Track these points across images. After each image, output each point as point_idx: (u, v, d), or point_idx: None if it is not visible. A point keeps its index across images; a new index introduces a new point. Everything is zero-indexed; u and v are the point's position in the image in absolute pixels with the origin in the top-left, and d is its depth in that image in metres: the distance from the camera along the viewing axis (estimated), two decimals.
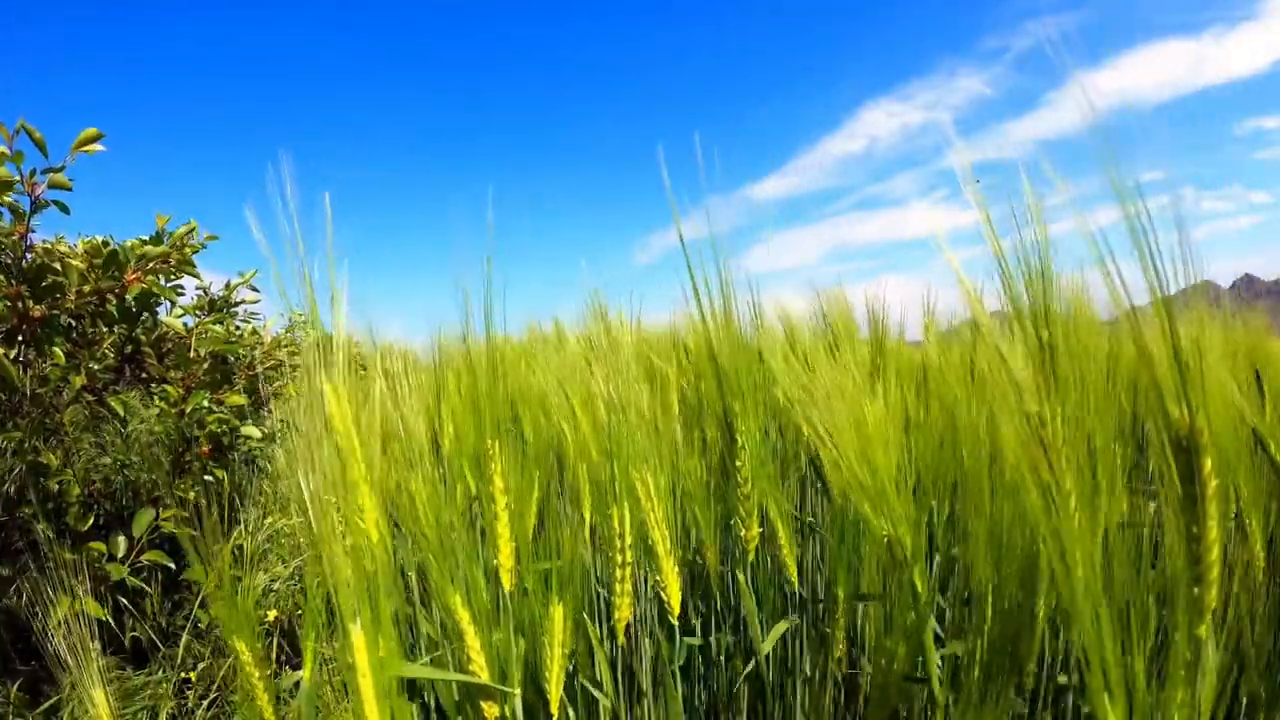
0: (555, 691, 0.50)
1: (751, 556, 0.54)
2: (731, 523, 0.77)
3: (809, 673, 0.69)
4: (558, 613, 0.50)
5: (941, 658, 0.48)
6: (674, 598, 0.51)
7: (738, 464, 0.52)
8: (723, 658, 0.71)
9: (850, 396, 0.44)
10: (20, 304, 0.86)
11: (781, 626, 0.60)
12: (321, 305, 0.37)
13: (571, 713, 0.64)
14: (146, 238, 1.05)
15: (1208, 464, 0.30)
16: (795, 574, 0.60)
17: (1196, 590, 0.29)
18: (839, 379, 0.45)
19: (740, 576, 0.57)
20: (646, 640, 0.67)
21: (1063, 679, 0.56)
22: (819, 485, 0.88)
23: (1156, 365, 0.29)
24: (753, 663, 0.59)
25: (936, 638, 0.56)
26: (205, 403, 1.06)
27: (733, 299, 0.56)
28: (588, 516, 0.72)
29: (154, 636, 1.02)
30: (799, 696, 0.68)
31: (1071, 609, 0.29)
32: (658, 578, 0.51)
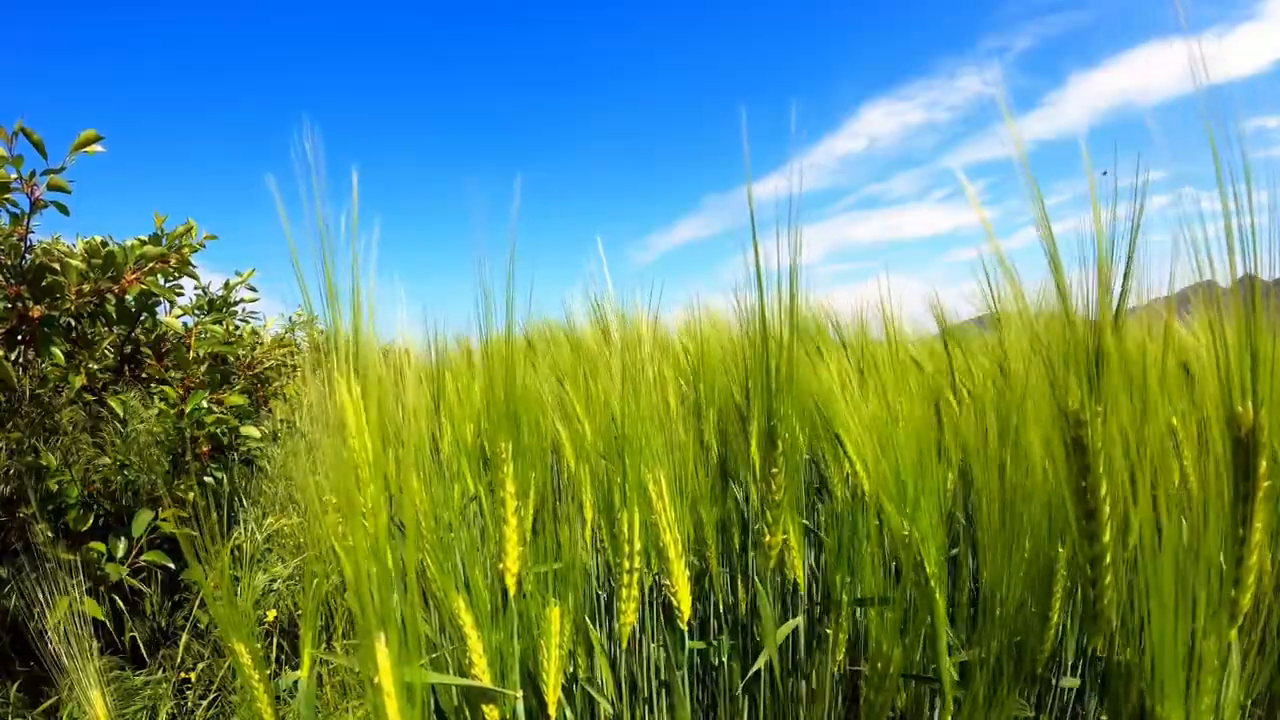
0: (553, 694, 0.50)
1: (773, 563, 0.53)
2: (729, 524, 0.77)
3: (810, 673, 0.69)
4: (554, 613, 0.50)
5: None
6: (684, 602, 0.50)
7: (774, 470, 0.50)
8: (725, 659, 0.71)
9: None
10: (20, 304, 0.86)
11: (790, 625, 0.59)
12: (342, 299, 0.36)
13: (569, 713, 0.64)
14: (145, 238, 1.05)
15: (1263, 463, 0.29)
16: (804, 577, 0.60)
17: (1234, 592, 0.29)
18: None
19: (758, 583, 0.56)
20: (653, 645, 0.67)
21: (1069, 682, 0.56)
22: (817, 486, 0.88)
23: (1230, 361, 0.29)
24: (762, 660, 0.59)
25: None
26: (204, 403, 1.06)
27: (797, 292, 0.49)
28: (589, 517, 0.72)
29: (154, 636, 1.01)
30: (803, 699, 0.68)
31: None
32: (667, 581, 0.51)
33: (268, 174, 0.34)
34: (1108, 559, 0.29)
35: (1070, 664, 0.62)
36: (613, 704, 0.64)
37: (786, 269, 0.49)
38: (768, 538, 0.51)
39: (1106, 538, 0.30)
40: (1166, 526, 0.28)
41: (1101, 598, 0.31)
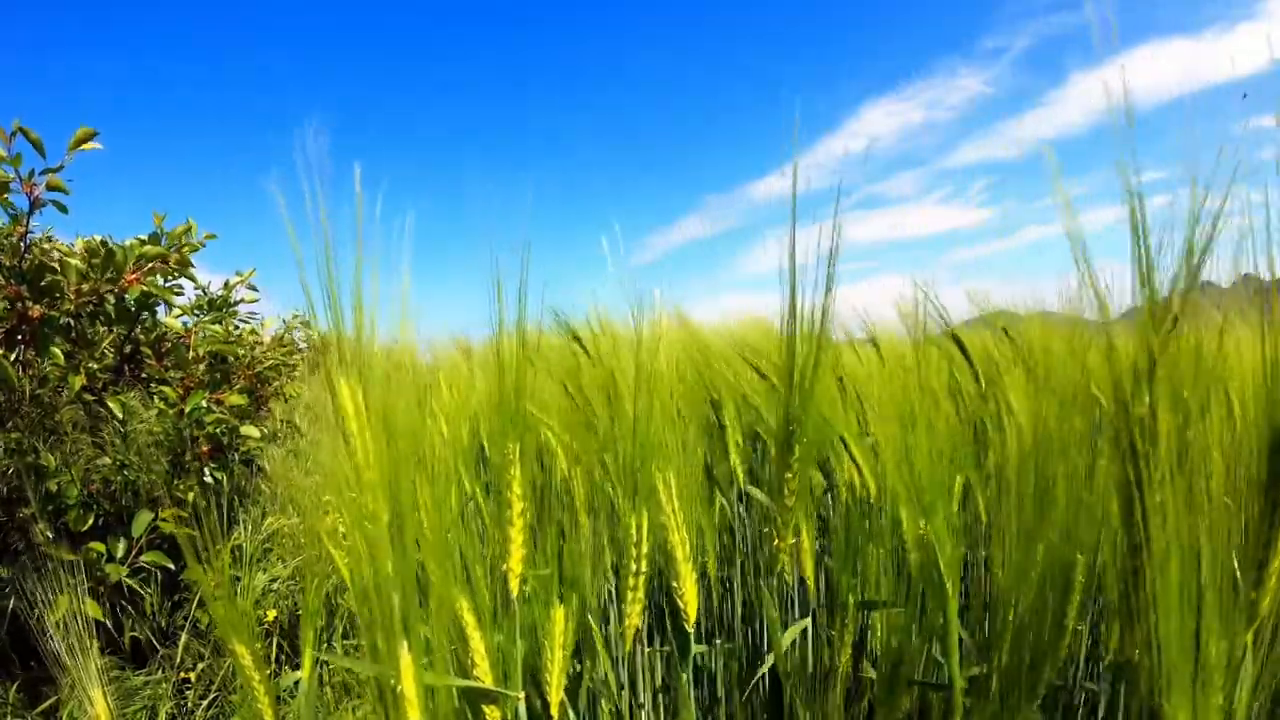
0: (555, 695, 0.50)
1: (780, 566, 0.52)
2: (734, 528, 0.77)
3: (814, 672, 0.69)
4: (558, 615, 0.50)
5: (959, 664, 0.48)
6: (691, 606, 0.50)
7: (788, 475, 0.50)
8: (723, 662, 0.71)
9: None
10: (20, 304, 0.86)
11: (797, 628, 0.59)
12: (343, 299, 0.35)
13: (572, 714, 0.63)
14: (145, 237, 1.04)
15: None
16: (813, 580, 0.59)
17: (1254, 594, 0.29)
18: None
19: (764, 588, 0.56)
20: (653, 650, 0.67)
21: (1092, 685, 0.56)
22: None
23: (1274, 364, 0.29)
24: (765, 665, 0.59)
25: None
26: (204, 403, 1.05)
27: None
28: (583, 521, 0.71)
29: (153, 637, 1.01)
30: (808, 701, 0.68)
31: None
32: (675, 584, 0.50)
33: (270, 172, 0.34)
34: (1149, 569, 0.28)
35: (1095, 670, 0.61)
36: (615, 705, 0.64)
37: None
38: (777, 541, 0.51)
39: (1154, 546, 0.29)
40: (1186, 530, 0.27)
41: (1139, 604, 0.30)
